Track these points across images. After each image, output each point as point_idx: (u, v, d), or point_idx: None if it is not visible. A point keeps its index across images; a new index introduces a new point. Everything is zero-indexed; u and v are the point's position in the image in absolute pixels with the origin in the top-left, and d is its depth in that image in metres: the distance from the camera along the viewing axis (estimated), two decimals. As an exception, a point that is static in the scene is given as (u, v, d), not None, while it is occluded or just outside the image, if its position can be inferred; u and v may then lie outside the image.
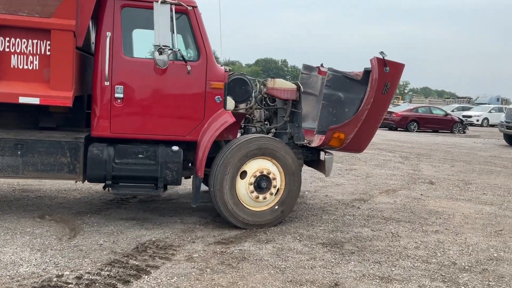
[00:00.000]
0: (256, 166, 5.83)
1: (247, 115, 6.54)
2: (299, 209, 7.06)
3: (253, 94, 6.74)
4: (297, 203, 7.41)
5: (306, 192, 8.41)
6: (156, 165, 5.62)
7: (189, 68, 5.66)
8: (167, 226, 5.84)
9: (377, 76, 6.02)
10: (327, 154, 6.56)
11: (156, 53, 5.26)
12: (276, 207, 5.99)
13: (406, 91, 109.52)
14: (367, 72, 6.17)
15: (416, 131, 27.52)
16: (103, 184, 5.68)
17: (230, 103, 5.95)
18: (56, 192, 7.39)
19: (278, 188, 5.98)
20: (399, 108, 31.25)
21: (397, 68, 6.22)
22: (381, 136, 22.62)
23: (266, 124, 6.85)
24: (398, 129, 27.80)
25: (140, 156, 5.68)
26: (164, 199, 7.30)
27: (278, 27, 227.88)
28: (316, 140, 6.34)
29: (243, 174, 5.82)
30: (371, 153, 14.86)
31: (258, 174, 5.83)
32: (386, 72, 6.05)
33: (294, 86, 6.55)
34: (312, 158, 6.75)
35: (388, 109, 30.36)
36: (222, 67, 5.93)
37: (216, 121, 5.75)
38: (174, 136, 5.77)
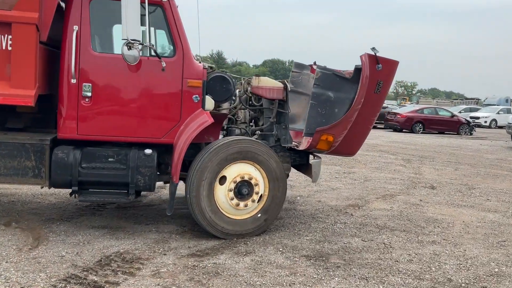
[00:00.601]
0: (236, 171, 5.39)
1: (230, 116, 6.10)
2: (287, 216, 6.61)
3: (237, 93, 6.31)
4: (287, 209, 6.96)
5: (298, 198, 7.95)
6: (126, 170, 5.19)
7: (163, 64, 5.23)
8: (140, 235, 5.41)
9: (368, 74, 5.56)
10: (315, 158, 6.10)
11: (125, 48, 4.83)
12: (259, 215, 5.54)
13: (413, 92, 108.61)
14: (358, 70, 5.71)
15: (422, 133, 26.93)
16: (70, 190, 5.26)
17: (210, 102, 5.51)
18: (32, 197, 7.00)
19: (261, 195, 5.54)
20: (404, 109, 30.68)
21: (390, 65, 5.76)
22: (385, 137, 22.11)
23: (252, 126, 6.41)
24: (403, 130, 27.23)
25: (110, 160, 5.26)
26: (144, 205, 6.87)
27: (286, 28, 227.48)
28: (304, 143, 5.89)
29: (223, 180, 5.38)
30: (372, 155, 14.37)
31: (238, 179, 5.39)
32: (379, 70, 5.60)
33: (281, 85, 6.10)
34: (301, 161, 6.29)
35: (393, 110, 29.84)
36: (201, 64, 5.50)
37: (194, 121, 5.32)
38: (148, 139, 5.34)
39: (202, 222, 5.31)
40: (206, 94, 5.50)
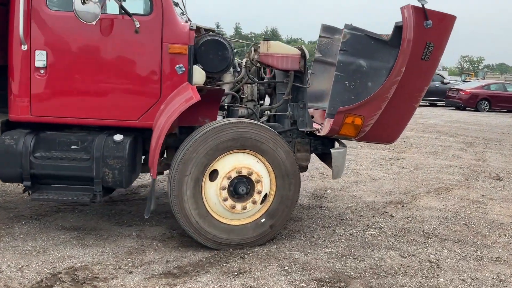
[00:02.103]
0: (231, 164, 4.15)
1: (232, 93, 4.83)
2: (308, 217, 5.32)
3: (242, 63, 5.02)
4: (310, 207, 5.66)
5: (329, 191, 6.60)
6: (90, 161, 4.08)
7: (137, 24, 4.03)
8: (113, 242, 4.32)
9: (412, 33, 4.11)
10: (339, 147, 4.74)
11: (77, 2, 3.66)
12: (263, 220, 4.30)
13: (480, 67, 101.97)
14: (398, 29, 4.25)
15: (487, 111, 24.36)
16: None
17: (199, 74, 4.27)
18: (14, 187, 6.09)
19: (265, 194, 4.28)
20: (469, 85, 27.94)
21: (445, 21, 4.26)
22: (445, 116, 20.02)
23: (262, 104, 5.11)
24: (466, 108, 24.76)
25: (74, 147, 4.16)
26: (140, 199, 5.80)
27: (344, 1, 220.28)
28: (326, 127, 4.53)
29: (213, 175, 4.16)
30: (428, 137, 12.63)
31: (234, 174, 4.15)
32: (428, 28, 4.13)
33: (297, 52, 4.74)
34: (324, 150, 4.94)
35: (456, 86, 27.17)
36: (187, 23, 4.24)
37: (176, 99, 4.10)
38: (119, 121, 4.20)
39: (188, 229, 4.13)
40: (195, 64, 4.26)
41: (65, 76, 4.09)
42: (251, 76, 4.94)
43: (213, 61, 4.36)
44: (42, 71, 4.05)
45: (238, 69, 5.01)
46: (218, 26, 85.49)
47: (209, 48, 4.33)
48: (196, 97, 3.97)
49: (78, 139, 4.17)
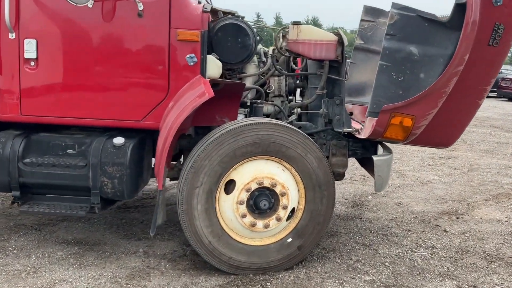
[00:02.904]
0: (251, 173, 3.46)
1: (256, 87, 4.13)
2: (345, 231, 4.57)
3: (268, 53, 4.30)
4: (347, 217, 4.93)
5: (370, 197, 5.82)
6: (86, 169, 3.49)
7: (140, 7, 3.39)
8: (116, 261, 3.73)
9: (478, 13, 3.28)
10: (383, 153, 3.96)
11: (64, -20, 3.04)
12: (289, 239, 3.59)
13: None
14: (459, 7, 3.42)
15: (545, 103, 22.61)
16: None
17: (214, 66, 3.59)
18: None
19: (293, 209, 3.58)
20: (524, 74, 26.04)
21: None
22: (498, 108, 18.60)
23: (291, 100, 4.38)
24: (521, 100, 23.08)
25: (69, 152, 3.58)
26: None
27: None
28: (367, 127, 3.77)
29: (229, 186, 3.49)
30: (480, 133, 11.51)
31: (254, 186, 3.45)
32: (497, 6, 3.30)
33: (333, 37, 3.97)
34: (365, 154, 4.17)
35: (509, 76, 25.41)
36: (200, 5, 3.56)
37: (186, 95, 3.44)
38: (121, 121, 3.59)
39: (199, 250, 3.48)
40: (210, 53, 3.58)
41: (58, 69, 3.51)
42: (278, 67, 4.21)
43: (231, 50, 3.67)
44: (32, 63, 3.48)
45: (264, 59, 4.30)
46: (258, 17, 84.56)
47: (227, 34, 3.64)
48: (209, 93, 3.29)
49: (74, 142, 3.58)
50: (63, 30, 3.48)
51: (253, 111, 4.04)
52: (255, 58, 4.25)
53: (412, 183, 6.58)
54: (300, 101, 4.32)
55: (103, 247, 3.99)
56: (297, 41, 3.94)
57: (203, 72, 3.51)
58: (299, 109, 4.09)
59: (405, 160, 8.06)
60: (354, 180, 6.61)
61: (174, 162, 4.17)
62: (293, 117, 4.09)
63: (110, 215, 4.77)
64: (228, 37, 3.64)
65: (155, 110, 3.55)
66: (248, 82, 4.15)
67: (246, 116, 4.02)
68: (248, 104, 4.09)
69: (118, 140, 3.47)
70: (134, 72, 3.50)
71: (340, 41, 3.94)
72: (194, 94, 3.37)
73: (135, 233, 4.33)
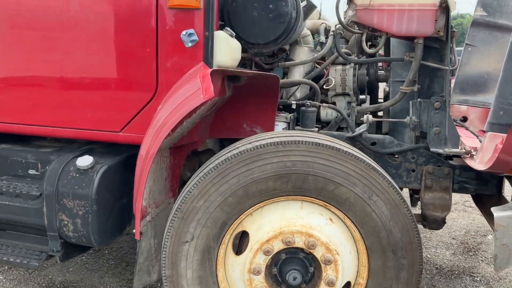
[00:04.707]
0: (274, 224, 2.10)
1: (306, 81, 2.75)
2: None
3: (321, 29, 2.90)
4: (457, 271, 3.36)
5: (490, 237, 4.10)
6: (40, 200, 2.39)
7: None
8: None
9: None
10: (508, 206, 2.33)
11: None
12: (340, 335, 2.17)
13: None
14: None
15: None
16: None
17: (227, 47, 2.26)
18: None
19: (348, 285, 2.15)
20: None
21: None
22: None
23: (362, 102, 2.91)
24: None
25: (32, 173, 2.52)
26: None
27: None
28: (488, 150, 2.19)
29: (241, 243, 2.17)
30: None
31: (279, 245, 2.08)
32: None
33: (431, 1, 2.42)
34: (480, 191, 2.58)
35: None
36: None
37: (179, 93, 2.19)
38: (94, 132, 2.44)
39: (192, 337, 2.21)
40: (222, 29, 2.27)
41: (8, 59, 2.45)
42: (345, 50, 2.78)
43: (257, 22, 2.33)
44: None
45: (322, 38, 2.88)
46: None
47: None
48: (208, 93, 1.99)
49: (37, 159, 2.50)
50: (14, 10, 2.41)
51: (302, 118, 2.65)
52: (309, 38, 2.86)
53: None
54: (374, 105, 2.83)
55: (89, 302, 2.91)
56: (370, 7, 2.47)
57: (208, 58, 2.22)
58: (370, 116, 2.60)
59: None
60: (468, 206, 4.88)
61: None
62: (364, 127, 2.61)
63: (123, 240, 3.71)
64: (251, 1, 2.31)
65: (139, 116, 2.34)
66: (297, 74, 2.79)
67: (288, 125, 2.66)
68: (294, 106, 2.72)
69: (83, 161, 2.32)
70: (106, 61, 2.32)
71: (444, 6, 2.39)
72: (187, 94, 2.11)
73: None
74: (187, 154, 2.64)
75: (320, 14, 3.31)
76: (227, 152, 2.08)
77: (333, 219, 2.11)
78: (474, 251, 3.81)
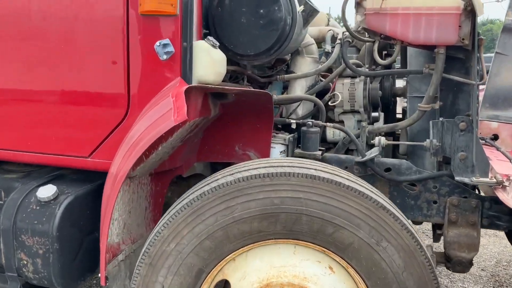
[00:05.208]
0: (261, 272, 1.74)
1: (311, 98, 2.38)
2: None
3: (327, 37, 2.53)
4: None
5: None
6: (-4, 236, 2.09)
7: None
8: None
9: None
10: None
11: None
12: None
13: None
14: None
15: None
16: None
17: (209, 59, 1.91)
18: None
19: None
20: None
21: None
22: None
23: (375, 121, 2.52)
24: None
25: (-3, 202, 2.23)
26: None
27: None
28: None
29: (222, 293, 1.82)
30: None
31: (266, 299, 1.73)
32: None
33: (454, 4, 2.03)
34: (514, 227, 2.18)
35: None
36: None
37: (150, 114, 1.85)
38: (60, 157, 2.11)
39: None
40: (206, 37, 1.93)
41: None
42: (354, 61, 2.41)
43: (245, 30, 1.99)
44: None
45: (328, 47, 2.52)
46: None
47: (235, 2, 1.97)
48: (180, 115, 1.66)
49: (1, 186, 2.21)
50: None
51: (302, 140, 2.29)
52: (313, 47, 2.50)
53: None
54: (387, 125, 2.44)
55: None
56: (381, 11, 2.10)
57: (186, 72, 1.88)
58: (383, 139, 2.21)
59: None
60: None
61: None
62: (375, 151, 2.22)
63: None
64: (239, 6, 1.96)
65: (109, 139, 2.01)
66: (299, 89, 2.43)
67: (287, 148, 2.30)
68: (294, 126, 2.35)
69: (45, 192, 2.01)
70: (70, 76, 2.00)
71: (469, 9, 2.01)
72: (157, 115, 1.77)
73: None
74: (170, 180, 2.31)
75: (328, 20, 2.94)
76: (204, 185, 1.74)
77: (334, 267, 1.74)
78: (507, 286, 3.37)
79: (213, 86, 1.88)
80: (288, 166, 1.71)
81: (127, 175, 1.75)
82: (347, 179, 1.71)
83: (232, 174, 1.72)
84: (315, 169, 1.71)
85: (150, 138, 1.69)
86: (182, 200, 1.74)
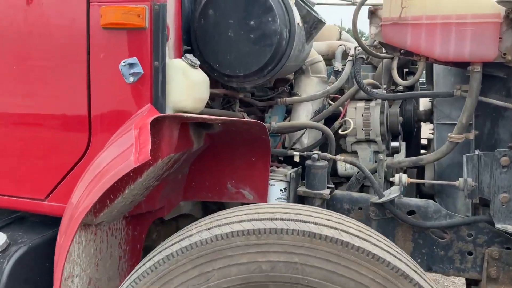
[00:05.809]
0: None
1: (316, 125, 1.99)
2: None
3: (337, 54, 2.15)
4: None
5: None
6: None
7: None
8: None
9: None
10: None
11: None
12: None
13: None
14: None
15: None
16: None
17: (188, 83, 1.56)
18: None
19: None
20: None
21: None
22: None
23: (395, 151, 2.11)
24: None
25: None
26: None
27: None
28: None
29: None
30: None
31: None
32: None
33: (491, 9, 1.63)
34: None
35: None
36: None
37: (111, 149, 1.50)
38: (13, 199, 1.77)
39: None
40: (186, 54, 1.58)
41: None
42: (366, 82, 2.02)
43: (232, 46, 1.63)
44: None
45: (338, 65, 2.13)
46: None
47: (221, 11, 1.62)
48: (142, 154, 1.30)
49: None
50: None
51: (307, 176, 1.90)
52: (320, 65, 2.12)
53: None
54: (410, 158, 2.03)
55: None
56: (401, 20, 1.71)
57: (157, 98, 1.52)
58: (404, 176, 1.80)
59: None
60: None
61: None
62: (396, 191, 1.82)
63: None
64: (226, 17, 1.61)
65: (67, 179, 1.67)
66: (303, 114, 2.05)
67: (288, 185, 1.91)
68: (298, 159, 1.97)
69: (-13, 241, 1.67)
70: (20, 102, 1.67)
71: (511, 17, 1.61)
72: (116, 153, 1.42)
73: None
74: (150, 223, 1.95)
75: (340, 34, 2.57)
76: (174, 243, 1.36)
77: None
78: None
79: (190, 115, 1.52)
80: (280, 219, 1.32)
81: (81, 222, 1.40)
82: (357, 236, 1.31)
83: (210, 228, 1.34)
84: (315, 224, 1.32)
85: (105, 182, 1.33)
86: (146, 262, 1.37)
